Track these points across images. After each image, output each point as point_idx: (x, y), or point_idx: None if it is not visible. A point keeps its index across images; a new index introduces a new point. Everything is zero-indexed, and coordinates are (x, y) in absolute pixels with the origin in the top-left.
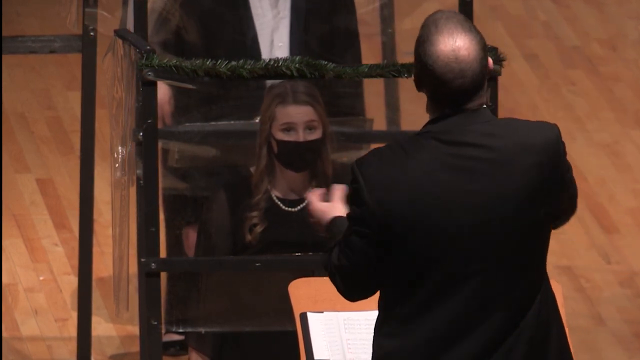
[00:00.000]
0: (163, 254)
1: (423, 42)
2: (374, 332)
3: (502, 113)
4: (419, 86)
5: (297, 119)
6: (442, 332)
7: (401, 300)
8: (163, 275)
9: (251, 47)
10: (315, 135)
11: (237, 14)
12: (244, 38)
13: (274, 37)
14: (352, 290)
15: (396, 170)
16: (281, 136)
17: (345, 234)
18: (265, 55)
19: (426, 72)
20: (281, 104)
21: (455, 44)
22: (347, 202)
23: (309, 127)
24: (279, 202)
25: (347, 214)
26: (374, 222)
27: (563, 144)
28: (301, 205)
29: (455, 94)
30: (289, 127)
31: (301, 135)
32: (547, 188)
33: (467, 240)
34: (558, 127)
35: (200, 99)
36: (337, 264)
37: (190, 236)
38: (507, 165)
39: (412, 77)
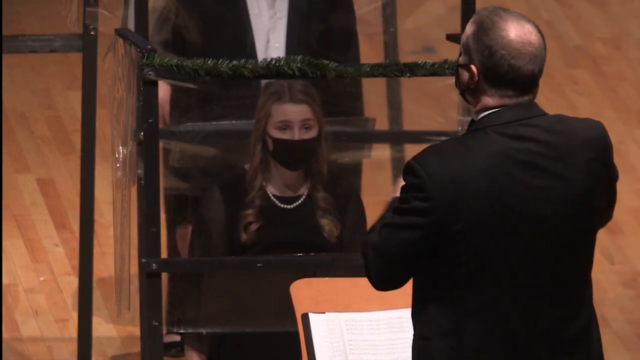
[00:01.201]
0: (164, 254)
1: (488, 29)
2: (421, 333)
3: None
4: (479, 78)
5: (293, 117)
6: (509, 326)
7: (457, 297)
8: (164, 276)
9: (247, 47)
10: (311, 134)
11: (234, 14)
12: (240, 38)
13: (270, 38)
14: (384, 281)
15: (459, 165)
16: (277, 134)
17: (393, 223)
18: (261, 55)
19: (493, 59)
20: (277, 101)
21: (525, 29)
22: (401, 194)
23: (305, 126)
24: (275, 200)
25: (400, 207)
26: (437, 216)
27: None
28: (296, 203)
29: (526, 80)
30: (284, 126)
31: (297, 134)
32: (602, 182)
33: (531, 235)
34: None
35: (201, 98)
36: (376, 243)
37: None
38: (568, 161)
39: (458, 78)
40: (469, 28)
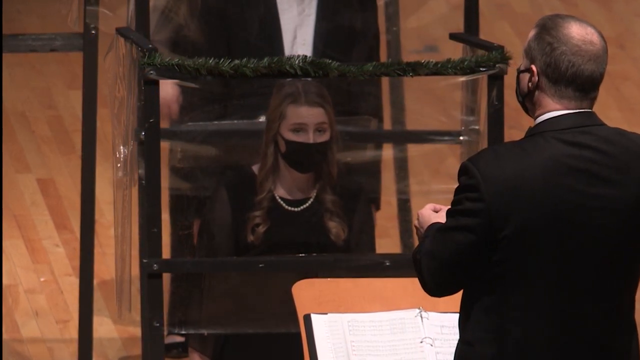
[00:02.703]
0: (166, 254)
1: (550, 29)
2: (464, 338)
3: (508, 113)
4: (539, 78)
5: (308, 120)
6: (551, 335)
7: (500, 303)
8: (167, 277)
9: (274, 42)
10: (325, 137)
11: (263, 8)
12: (268, 33)
13: (297, 34)
14: (441, 286)
15: (514, 169)
16: (290, 136)
17: (446, 226)
18: (287, 52)
19: (554, 55)
20: (293, 103)
21: (587, 30)
22: (455, 195)
23: (319, 129)
24: (282, 202)
25: (453, 209)
26: (489, 218)
27: None
28: (304, 206)
29: (585, 80)
30: (299, 128)
31: (311, 137)
32: None
33: (579, 244)
34: None
35: (203, 98)
36: (429, 247)
37: None
38: (624, 172)
39: (518, 85)
40: (532, 32)
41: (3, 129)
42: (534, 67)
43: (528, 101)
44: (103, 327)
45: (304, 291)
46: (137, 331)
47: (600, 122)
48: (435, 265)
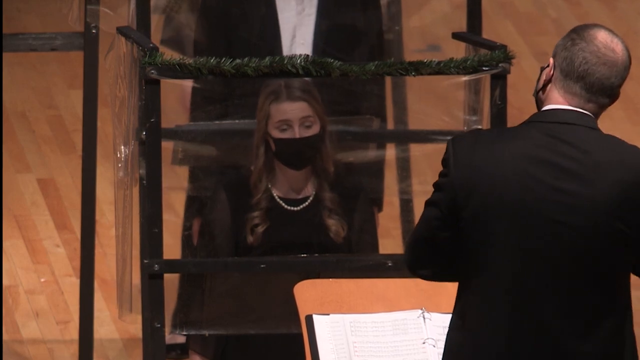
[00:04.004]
0: (167, 255)
1: (579, 29)
2: (450, 325)
3: (511, 112)
4: (554, 72)
5: (292, 115)
6: (506, 329)
7: (466, 289)
8: (174, 277)
9: (273, 42)
10: (312, 131)
11: (261, 6)
12: (267, 32)
13: (297, 34)
14: (413, 260)
15: (488, 151)
16: (277, 134)
17: (426, 201)
18: (286, 52)
19: (572, 50)
20: (275, 101)
21: (614, 40)
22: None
23: (306, 124)
24: (281, 202)
25: (433, 183)
26: (452, 194)
27: None
28: (303, 205)
29: (595, 81)
30: (284, 125)
31: (297, 132)
32: (632, 207)
33: (539, 237)
34: None
35: (204, 97)
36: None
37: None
38: (597, 173)
39: (538, 79)
40: (568, 34)
41: (3, 129)
42: (551, 60)
43: (540, 97)
44: (103, 327)
45: (306, 292)
46: (138, 332)
47: (594, 126)
48: (410, 240)
